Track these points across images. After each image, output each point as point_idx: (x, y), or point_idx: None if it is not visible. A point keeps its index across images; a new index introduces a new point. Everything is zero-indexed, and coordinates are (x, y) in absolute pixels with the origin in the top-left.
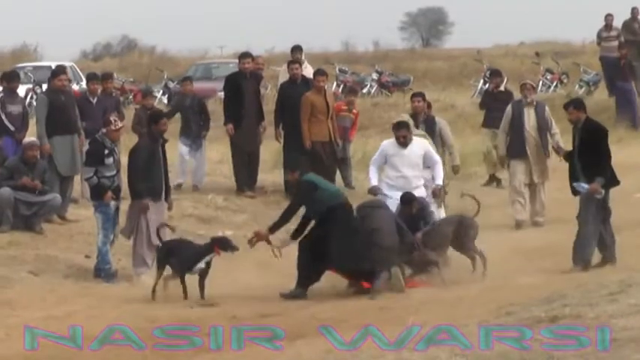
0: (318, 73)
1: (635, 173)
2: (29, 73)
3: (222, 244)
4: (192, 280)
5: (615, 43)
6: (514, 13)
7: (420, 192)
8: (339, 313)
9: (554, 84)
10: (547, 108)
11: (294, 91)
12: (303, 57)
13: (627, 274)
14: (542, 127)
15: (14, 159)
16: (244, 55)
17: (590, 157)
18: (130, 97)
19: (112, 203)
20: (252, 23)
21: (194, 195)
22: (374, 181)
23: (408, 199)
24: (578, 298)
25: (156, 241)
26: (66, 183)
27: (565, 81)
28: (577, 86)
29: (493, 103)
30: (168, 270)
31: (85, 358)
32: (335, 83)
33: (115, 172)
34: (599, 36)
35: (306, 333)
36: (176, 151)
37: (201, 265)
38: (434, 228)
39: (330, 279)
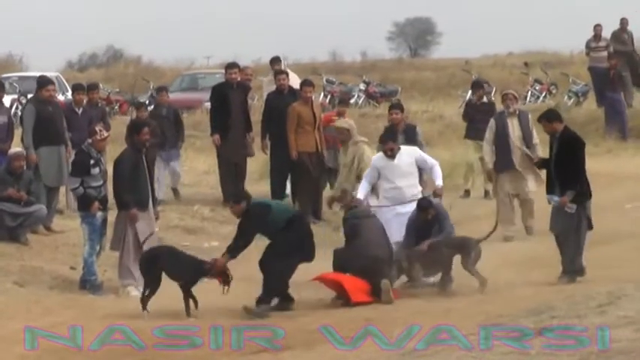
0: (305, 83)
1: (625, 184)
2: (15, 84)
3: (224, 279)
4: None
5: (604, 54)
6: (502, 23)
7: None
8: (326, 324)
9: (543, 94)
10: (530, 117)
11: (280, 101)
12: (283, 67)
13: (616, 286)
14: (527, 136)
15: (1, 169)
16: (231, 66)
17: (565, 168)
18: (116, 107)
19: (99, 214)
20: (239, 34)
21: (180, 206)
22: (360, 195)
23: (424, 205)
24: (566, 310)
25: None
26: (52, 194)
27: (554, 91)
28: (566, 97)
29: (476, 115)
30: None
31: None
32: (322, 94)
33: (101, 182)
34: (587, 46)
35: (294, 345)
36: None
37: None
38: (435, 246)
39: (318, 291)
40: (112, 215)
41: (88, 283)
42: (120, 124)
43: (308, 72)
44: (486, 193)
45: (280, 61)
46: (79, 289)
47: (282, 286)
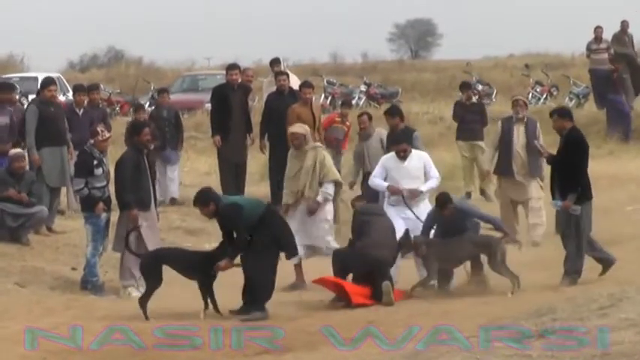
0: (305, 85)
1: (627, 186)
2: (16, 84)
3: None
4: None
5: (605, 56)
6: (503, 25)
7: (424, 204)
8: (327, 326)
9: (544, 96)
10: (538, 125)
11: (280, 102)
12: (283, 68)
13: (618, 288)
14: (532, 145)
15: (1, 170)
16: (232, 67)
17: (566, 167)
18: (117, 108)
19: (103, 215)
20: (239, 35)
21: (181, 207)
22: (384, 184)
23: (442, 200)
24: (568, 312)
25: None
26: (53, 194)
27: (555, 93)
28: (567, 99)
29: (466, 115)
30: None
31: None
32: (323, 95)
33: (105, 182)
34: (588, 48)
35: (295, 346)
36: None
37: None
38: (457, 241)
39: (318, 292)
40: (115, 216)
41: (89, 284)
42: (121, 125)
43: (309, 73)
44: (482, 191)
45: (280, 62)
46: (80, 290)
47: (269, 289)
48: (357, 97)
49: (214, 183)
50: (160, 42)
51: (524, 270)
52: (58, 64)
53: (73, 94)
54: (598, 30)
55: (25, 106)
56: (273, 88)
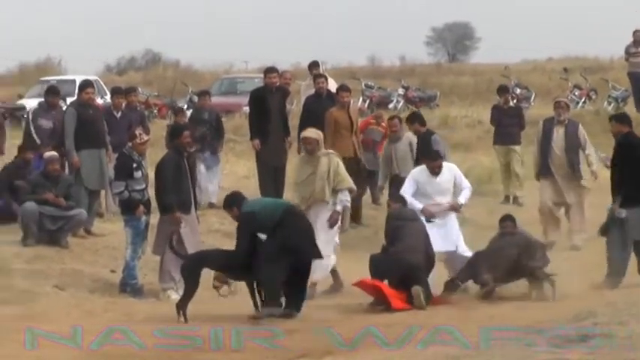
0: (342, 88)
1: None
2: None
3: None
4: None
5: None
6: (542, 29)
7: (451, 218)
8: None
9: (583, 100)
10: (581, 127)
11: (318, 105)
12: (321, 71)
13: None
14: (572, 147)
15: (36, 174)
16: (270, 70)
17: (622, 171)
18: (155, 111)
19: (143, 218)
20: (276, 38)
21: (220, 210)
22: (420, 205)
23: (505, 219)
24: (609, 317)
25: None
26: (92, 197)
27: (593, 97)
28: (605, 102)
29: (503, 119)
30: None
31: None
32: (361, 99)
33: (144, 185)
34: (627, 52)
35: (334, 349)
36: None
37: None
38: (498, 247)
39: (357, 296)
40: (154, 219)
41: (128, 287)
42: (159, 127)
43: (346, 76)
44: (514, 199)
45: (319, 65)
46: (119, 293)
47: (275, 290)
48: (395, 101)
49: (253, 186)
50: (197, 45)
51: (564, 274)
52: (95, 67)
53: (111, 97)
54: (637, 33)
55: (64, 109)
56: (312, 91)
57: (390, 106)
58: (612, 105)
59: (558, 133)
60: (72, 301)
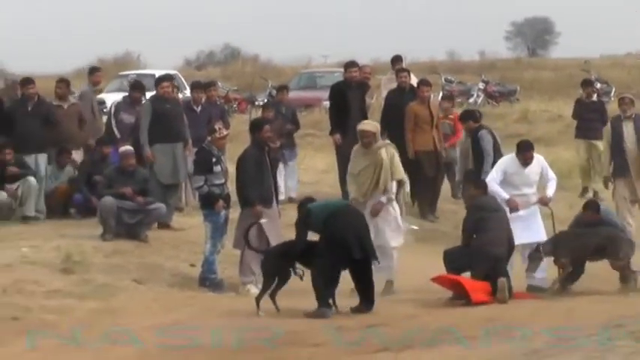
0: (422, 83)
1: None
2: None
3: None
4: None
5: None
6: (622, 23)
7: (535, 209)
8: (447, 324)
9: None
10: None
11: (400, 99)
12: (404, 65)
13: None
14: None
15: (112, 168)
16: (351, 64)
17: None
18: (235, 105)
19: (222, 212)
20: (356, 33)
21: None
22: (506, 195)
23: (588, 206)
24: None
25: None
26: (170, 191)
27: None
28: None
29: (585, 113)
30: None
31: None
32: (441, 93)
33: (223, 180)
34: None
35: (413, 344)
36: None
37: None
38: (584, 233)
39: (436, 292)
40: (234, 214)
41: (207, 281)
42: (239, 122)
43: (426, 71)
44: (594, 193)
45: (402, 59)
46: (198, 287)
47: (320, 288)
48: (475, 95)
49: (331, 181)
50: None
51: None
52: (174, 62)
53: (191, 91)
54: None
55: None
56: (392, 85)
57: (471, 100)
58: None
59: (628, 129)
60: (151, 295)
